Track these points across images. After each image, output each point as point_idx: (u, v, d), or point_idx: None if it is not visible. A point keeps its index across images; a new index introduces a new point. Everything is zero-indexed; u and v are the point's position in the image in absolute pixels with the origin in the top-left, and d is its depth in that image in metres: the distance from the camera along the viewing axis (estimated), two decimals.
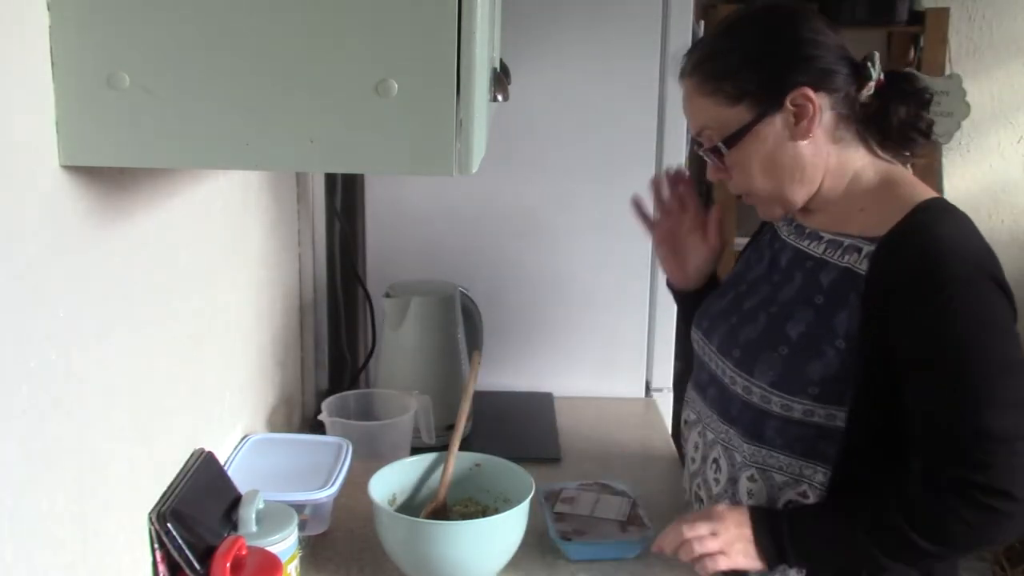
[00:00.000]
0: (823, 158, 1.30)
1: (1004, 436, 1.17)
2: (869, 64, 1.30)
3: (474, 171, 0.90)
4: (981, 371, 1.18)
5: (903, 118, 1.31)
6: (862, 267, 1.25)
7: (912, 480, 1.24)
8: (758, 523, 1.27)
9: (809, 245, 1.34)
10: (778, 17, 1.31)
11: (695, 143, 1.37)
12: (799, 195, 1.32)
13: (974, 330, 1.19)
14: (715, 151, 1.31)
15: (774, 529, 1.26)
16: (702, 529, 1.26)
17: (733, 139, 1.29)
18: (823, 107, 1.27)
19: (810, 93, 1.26)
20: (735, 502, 1.36)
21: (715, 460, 1.40)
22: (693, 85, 1.32)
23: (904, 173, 1.34)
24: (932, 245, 1.21)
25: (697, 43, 1.36)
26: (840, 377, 1.24)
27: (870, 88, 1.30)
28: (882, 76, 1.30)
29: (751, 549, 1.26)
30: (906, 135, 1.32)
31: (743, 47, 1.30)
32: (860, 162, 1.32)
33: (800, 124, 1.27)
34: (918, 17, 3.19)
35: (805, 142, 1.28)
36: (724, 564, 1.26)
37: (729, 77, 1.28)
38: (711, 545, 1.25)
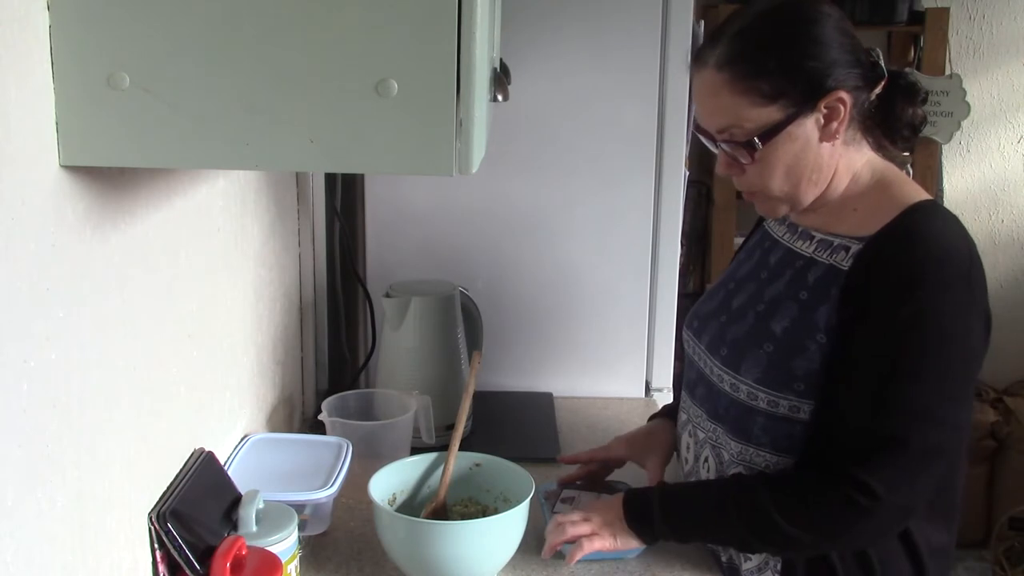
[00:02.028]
0: (836, 159, 1.30)
1: (901, 442, 1.19)
2: (881, 63, 1.29)
3: (474, 171, 0.90)
4: (906, 376, 1.20)
5: (910, 116, 1.31)
6: (846, 264, 1.26)
7: (790, 465, 1.28)
8: (628, 505, 1.35)
9: (801, 245, 1.35)
10: (811, 14, 1.27)
11: (701, 134, 1.34)
12: (811, 195, 1.32)
13: (921, 337, 1.20)
14: (748, 146, 1.27)
15: (644, 509, 1.33)
16: (573, 516, 1.36)
17: (767, 136, 1.26)
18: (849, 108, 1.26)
19: (845, 96, 1.25)
20: (661, 483, 1.40)
21: (706, 459, 1.40)
22: (722, 81, 1.26)
23: (898, 174, 1.34)
24: (915, 248, 1.22)
25: (719, 36, 1.29)
26: (823, 372, 1.25)
27: (879, 87, 1.30)
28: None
29: (622, 528, 1.34)
30: (905, 132, 1.33)
31: (781, 45, 1.26)
32: (860, 162, 1.32)
33: (829, 126, 1.26)
34: (918, 17, 3.19)
35: (829, 144, 1.27)
36: (598, 544, 1.34)
37: (766, 76, 1.24)
38: (583, 528, 1.34)
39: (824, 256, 1.30)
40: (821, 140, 1.27)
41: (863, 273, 1.23)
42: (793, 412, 1.28)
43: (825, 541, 1.27)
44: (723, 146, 1.30)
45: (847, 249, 1.27)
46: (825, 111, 1.25)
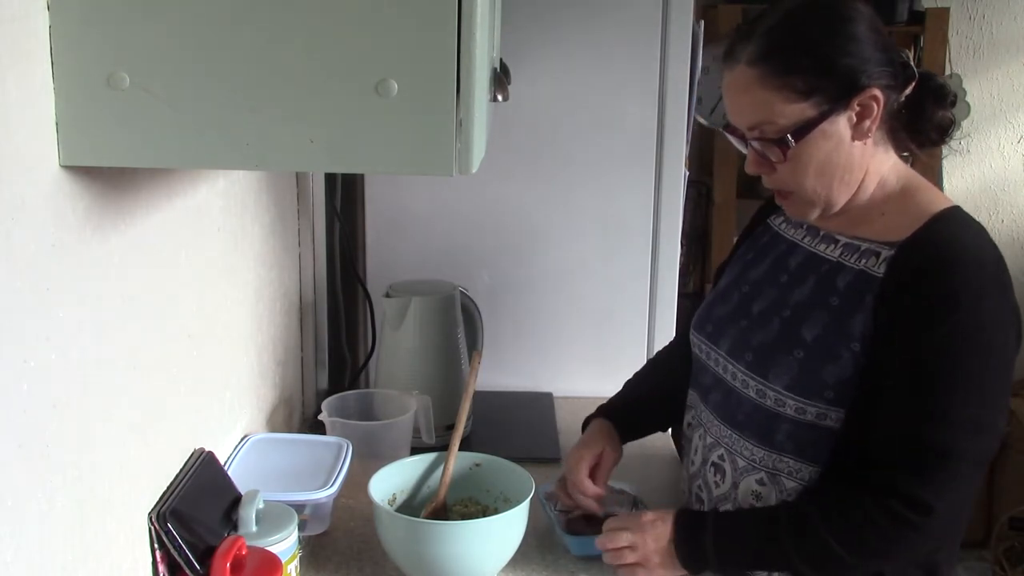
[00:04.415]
0: (867, 160, 1.29)
1: (946, 451, 1.19)
2: (911, 63, 1.29)
3: (474, 171, 0.90)
4: (950, 387, 1.19)
5: (939, 118, 1.30)
6: (879, 271, 1.25)
7: (837, 484, 1.26)
8: (680, 534, 1.30)
9: (824, 249, 1.33)
10: (845, 11, 1.26)
11: (731, 132, 1.32)
12: (842, 197, 1.30)
13: (963, 348, 1.19)
14: (780, 144, 1.25)
15: (696, 541, 1.30)
16: (621, 541, 1.32)
17: (800, 133, 1.24)
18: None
19: (878, 94, 1.23)
20: (736, 505, 1.36)
21: (714, 464, 1.40)
22: (755, 77, 1.24)
23: (922, 180, 1.33)
24: (948, 258, 1.21)
25: (751, 32, 1.27)
26: (855, 380, 1.25)
27: (909, 88, 1.29)
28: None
29: (671, 561, 1.30)
30: (933, 136, 1.32)
31: (817, 41, 1.25)
32: (887, 165, 1.31)
33: (862, 124, 1.25)
34: (918, 17, 3.19)
35: (860, 143, 1.26)
36: (643, 574, 1.31)
37: (800, 72, 1.23)
38: (628, 557, 1.31)
39: (852, 261, 1.29)
40: (853, 139, 1.26)
41: (898, 281, 1.22)
42: (820, 419, 1.27)
43: (879, 561, 1.25)
44: (753, 144, 1.28)
45: (877, 254, 1.26)
46: (858, 109, 1.24)
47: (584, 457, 1.49)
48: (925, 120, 1.30)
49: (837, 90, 1.23)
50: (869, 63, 1.24)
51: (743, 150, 1.32)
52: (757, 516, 1.31)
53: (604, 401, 1.94)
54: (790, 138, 1.24)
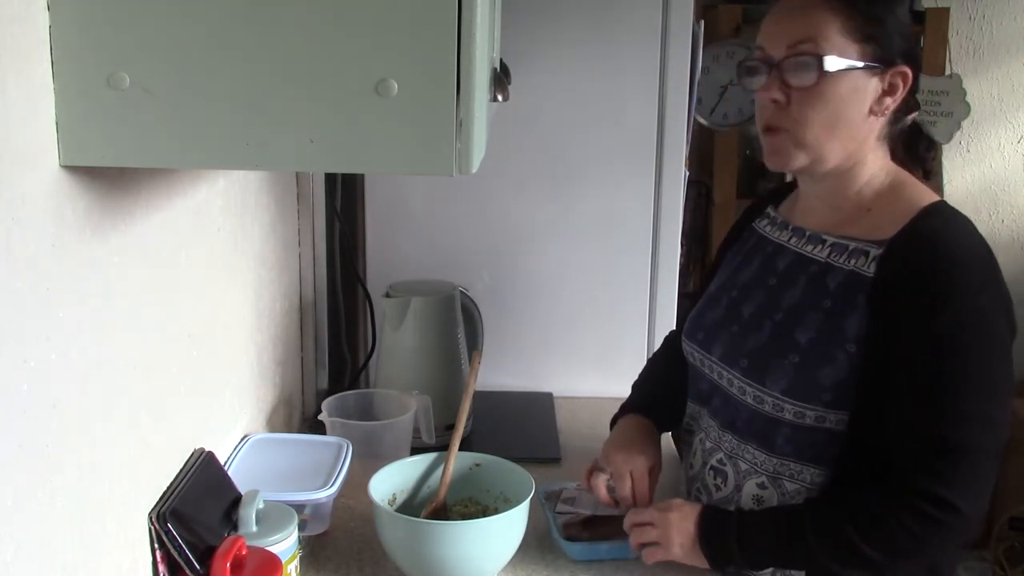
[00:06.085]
0: (869, 142, 1.30)
1: (967, 449, 1.19)
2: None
3: (474, 171, 0.90)
4: (960, 382, 1.19)
5: (922, 151, 1.36)
6: (869, 270, 1.25)
7: (863, 484, 1.26)
8: (704, 523, 1.30)
9: (812, 250, 1.34)
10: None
11: (762, 60, 1.29)
12: (834, 158, 1.29)
13: (967, 342, 1.20)
14: (815, 66, 1.23)
15: (720, 531, 1.29)
16: (644, 517, 1.33)
17: (838, 64, 1.24)
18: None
19: (909, 74, 1.26)
20: (738, 507, 1.36)
21: (714, 467, 1.39)
22: None
23: (908, 176, 1.34)
24: (940, 252, 1.21)
25: None
26: (851, 381, 1.24)
27: (911, 118, 1.33)
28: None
29: (692, 546, 1.29)
30: (921, 149, 1.37)
31: (887, 4, 1.27)
32: (879, 163, 1.32)
33: (884, 99, 1.27)
34: (918, 17, 3.18)
35: (874, 118, 1.28)
36: (660, 555, 1.31)
37: (866, 16, 1.25)
38: (650, 533, 1.31)
39: (841, 261, 1.29)
40: (871, 110, 1.27)
41: (891, 281, 1.23)
42: (819, 422, 1.27)
43: (907, 560, 1.25)
44: (786, 64, 1.26)
45: (866, 253, 1.26)
46: (889, 83, 1.26)
47: (645, 470, 1.44)
48: (918, 144, 1.36)
49: (885, 52, 1.26)
50: (915, 46, 1.28)
51: (756, 87, 1.29)
52: (781, 516, 1.29)
53: (606, 400, 1.94)
54: (828, 61, 1.23)
